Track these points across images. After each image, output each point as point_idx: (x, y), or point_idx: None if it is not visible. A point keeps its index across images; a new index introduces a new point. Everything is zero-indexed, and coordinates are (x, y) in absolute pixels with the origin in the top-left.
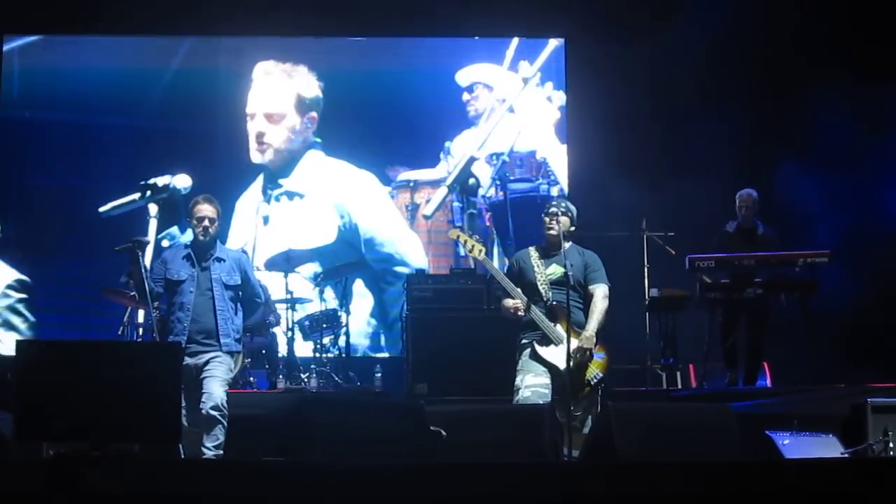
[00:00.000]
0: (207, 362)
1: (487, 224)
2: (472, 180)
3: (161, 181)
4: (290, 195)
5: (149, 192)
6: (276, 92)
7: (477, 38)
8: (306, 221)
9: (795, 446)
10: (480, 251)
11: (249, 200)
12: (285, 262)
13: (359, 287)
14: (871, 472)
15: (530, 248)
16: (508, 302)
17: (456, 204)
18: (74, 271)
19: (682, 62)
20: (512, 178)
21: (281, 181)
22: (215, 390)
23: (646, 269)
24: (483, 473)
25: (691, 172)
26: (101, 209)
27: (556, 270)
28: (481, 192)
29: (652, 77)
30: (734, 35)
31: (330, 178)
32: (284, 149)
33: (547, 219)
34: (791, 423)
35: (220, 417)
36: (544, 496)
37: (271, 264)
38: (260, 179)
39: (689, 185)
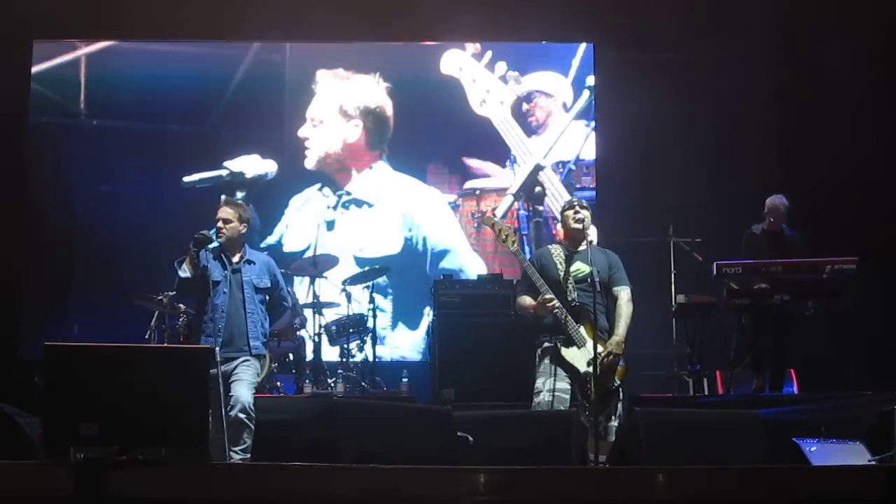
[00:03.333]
0: (236, 367)
1: (553, 232)
2: (537, 188)
3: (245, 163)
4: (359, 203)
5: (234, 170)
6: (323, 98)
7: (542, 43)
8: (373, 230)
9: (822, 453)
10: (514, 242)
11: (308, 203)
12: (312, 267)
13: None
14: None
15: (551, 246)
16: (526, 300)
17: (522, 212)
18: (121, 277)
19: (711, 67)
20: (578, 185)
21: (348, 188)
22: (243, 394)
23: (672, 276)
24: (510, 478)
25: (719, 178)
26: (186, 179)
27: (581, 268)
28: (547, 200)
29: (680, 83)
30: (764, 39)
31: (398, 190)
32: (329, 155)
33: (571, 212)
34: (818, 429)
35: (247, 421)
36: (572, 501)
37: (298, 269)
38: (317, 185)
39: (716, 191)
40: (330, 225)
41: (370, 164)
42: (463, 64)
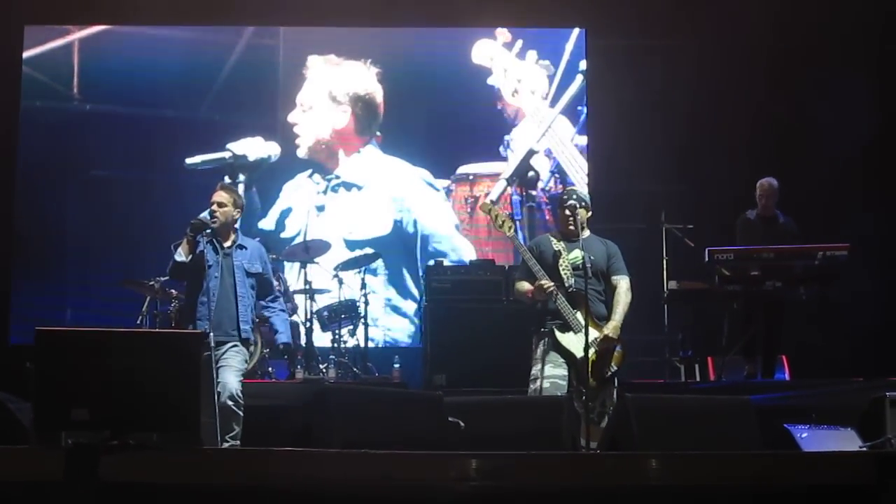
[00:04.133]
0: (224, 352)
1: (547, 217)
2: (531, 173)
3: (248, 146)
4: (348, 186)
5: (237, 153)
6: (314, 84)
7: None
8: (363, 212)
9: (813, 439)
10: (510, 228)
11: (300, 189)
12: (304, 252)
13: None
14: (889, 466)
15: (549, 234)
16: (524, 285)
17: (515, 197)
18: (113, 262)
19: (702, 53)
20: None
21: (337, 172)
22: (230, 381)
23: (664, 262)
24: (501, 464)
25: (710, 165)
26: (188, 161)
27: (578, 255)
28: (540, 185)
29: (672, 68)
30: (757, 25)
31: (387, 172)
32: (319, 141)
33: (567, 212)
34: (809, 416)
35: (235, 408)
36: (564, 487)
37: (290, 255)
38: (308, 171)
39: (709, 177)
40: (320, 209)
41: (358, 149)
42: (494, 53)
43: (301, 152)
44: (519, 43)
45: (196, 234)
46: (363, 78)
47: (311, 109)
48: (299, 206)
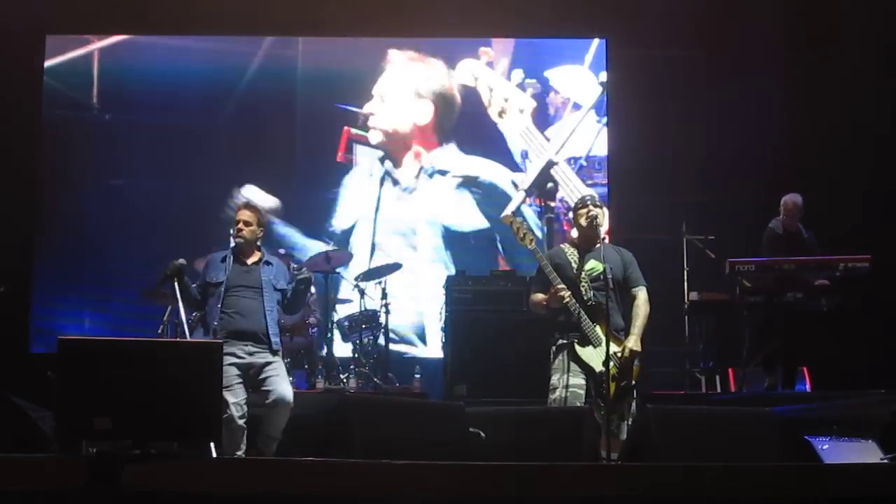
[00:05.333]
0: (268, 363)
1: (566, 228)
2: (549, 184)
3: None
4: (443, 172)
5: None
6: (394, 76)
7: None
8: (457, 203)
9: (834, 451)
10: (532, 240)
11: (365, 179)
12: (325, 263)
13: None
14: None
15: (564, 245)
16: (539, 296)
17: (534, 208)
18: (132, 271)
19: (723, 65)
20: (589, 182)
21: (424, 162)
22: (287, 389)
23: (685, 273)
24: (523, 474)
25: (732, 175)
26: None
27: (595, 266)
28: (559, 196)
29: (693, 79)
30: (779, 36)
31: (471, 169)
32: (396, 133)
33: (584, 211)
34: (830, 428)
35: (287, 408)
36: (585, 498)
37: (312, 265)
38: (372, 162)
39: (730, 188)
40: (407, 190)
41: (439, 146)
42: (478, 73)
43: (374, 138)
44: (503, 62)
45: (167, 282)
46: (444, 76)
47: (392, 101)
48: (363, 194)
